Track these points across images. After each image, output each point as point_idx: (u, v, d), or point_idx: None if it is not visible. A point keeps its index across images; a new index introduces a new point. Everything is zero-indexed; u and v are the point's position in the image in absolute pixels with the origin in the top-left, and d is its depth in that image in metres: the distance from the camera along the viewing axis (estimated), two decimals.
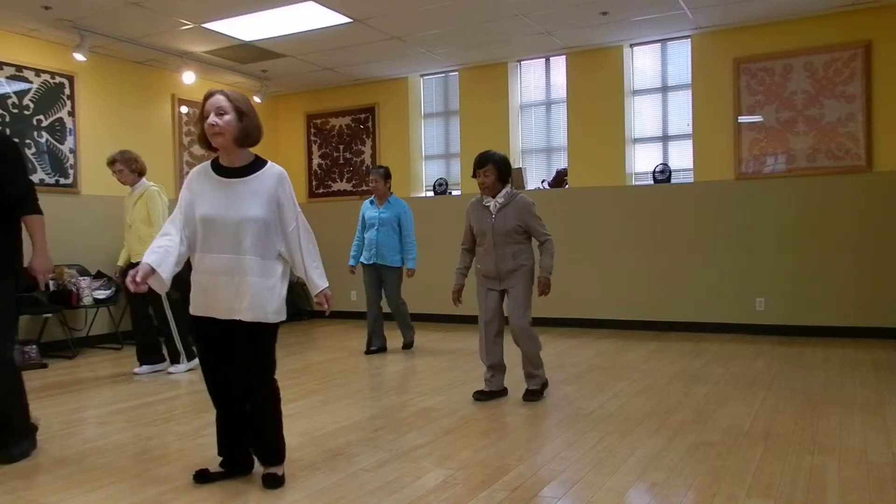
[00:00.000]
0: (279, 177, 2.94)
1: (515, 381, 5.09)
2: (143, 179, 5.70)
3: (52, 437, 3.81)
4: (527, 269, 4.41)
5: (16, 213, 3.53)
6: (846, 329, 6.62)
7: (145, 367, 5.64)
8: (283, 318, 2.99)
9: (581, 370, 5.39)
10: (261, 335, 2.95)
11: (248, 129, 2.88)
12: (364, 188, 9.12)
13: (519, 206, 4.39)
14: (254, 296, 2.86)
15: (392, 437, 3.70)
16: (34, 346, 6.12)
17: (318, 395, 4.76)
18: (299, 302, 9.39)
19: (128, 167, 5.63)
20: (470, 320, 8.21)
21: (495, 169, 4.44)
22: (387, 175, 6.40)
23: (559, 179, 8.04)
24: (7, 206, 3.46)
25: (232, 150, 2.90)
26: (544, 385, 4.53)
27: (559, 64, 8.06)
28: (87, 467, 3.28)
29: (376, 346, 6.46)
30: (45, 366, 6.03)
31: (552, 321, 7.77)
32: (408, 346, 6.61)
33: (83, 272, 6.91)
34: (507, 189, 4.48)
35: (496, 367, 4.50)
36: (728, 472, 3.02)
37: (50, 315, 6.58)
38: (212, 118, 2.82)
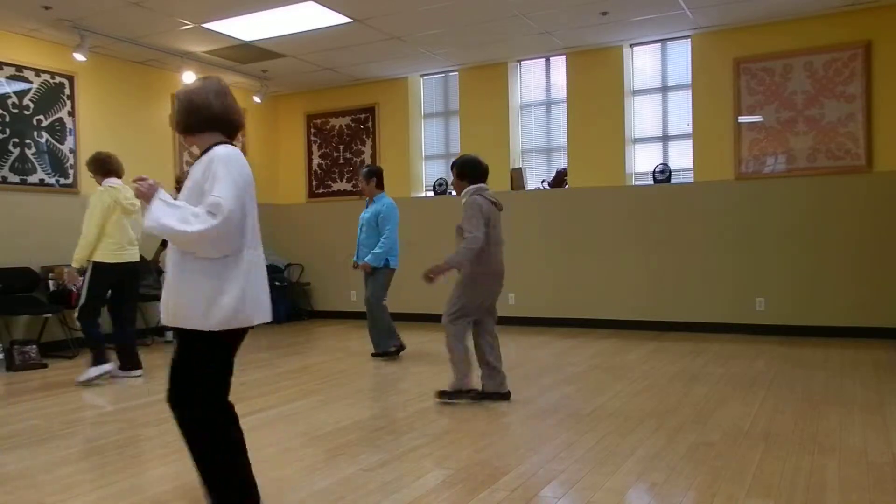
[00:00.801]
0: (207, 160, 2.45)
1: (516, 381, 5.10)
2: (111, 179, 5.39)
3: (52, 437, 3.81)
4: (463, 271, 4.36)
5: None
6: (846, 329, 6.62)
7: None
8: (215, 326, 2.36)
9: (581, 370, 5.39)
10: (182, 344, 2.45)
11: (180, 115, 2.57)
12: None
13: (463, 205, 4.42)
14: (167, 297, 2.44)
15: (392, 437, 3.70)
16: (34, 346, 6.11)
17: (318, 395, 4.76)
18: (299, 302, 9.40)
19: (90, 170, 5.49)
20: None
21: (455, 171, 4.60)
22: (370, 174, 6.14)
23: (559, 179, 8.04)
24: None
25: (188, 139, 2.64)
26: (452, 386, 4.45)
27: (559, 64, 8.06)
28: (88, 467, 3.28)
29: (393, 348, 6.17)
30: (45, 366, 6.03)
31: (552, 321, 7.77)
32: (378, 355, 6.12)
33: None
34: (471, 188, 4.49)
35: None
36: (728, 472, 3.02)
37: (50, 315, 6.58)
38: None
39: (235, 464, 2.49)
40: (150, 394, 4.91)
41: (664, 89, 7.64)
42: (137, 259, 5.54)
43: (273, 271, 8.16)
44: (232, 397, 4.75)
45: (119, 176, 5.47)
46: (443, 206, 8.40)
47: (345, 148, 9.28)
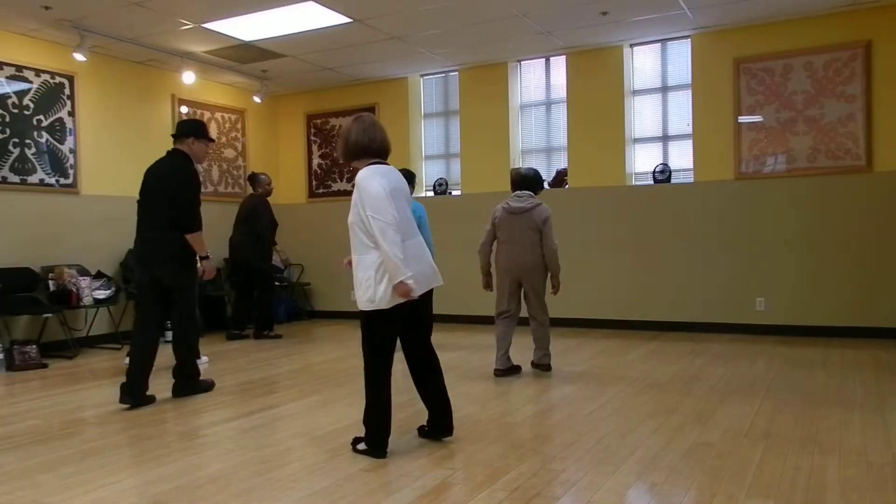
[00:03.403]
0: (356, 183, 3.33)
1: (516, 381, 5.10)
2: None
3: (52, 437, 3.81)
4: None
5: None
6: (846, 329, 6.62)
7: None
8: (371, 306, 3.28)
9: (581, 370, 5.39)
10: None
11: (339, 148, 3.49)
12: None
13: None
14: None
15: (392, 437, 3.69)
16: (34, 346, 6.11)
17: (318, 395, 4.76)
18: (300, 302, 9.40)
19: None
20: (469, 320, 8.22)
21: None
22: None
23: (559, 179, 8.04)
24: None
25: (350, 164, 3.51)
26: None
27: (559, 64, 8.06)
28: (87, 467, 3.28)
29: None
30: (45, 366, 6.03)
31: (552, 321, 7.75)
32: None
33: (83, 272, 6.91)
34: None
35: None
36: (728, 472, 3.02)
37: (50, 315, 6.58)
38: None
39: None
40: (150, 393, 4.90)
41: (664, 89, 7.64)
42: None
43: (272, 272, 8.15)
44: (232, 397, 4.77)
45: None
46: (443, 206, 8.40)
47: None
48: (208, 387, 4.89)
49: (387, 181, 3.28)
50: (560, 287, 5.17)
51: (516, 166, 8.20)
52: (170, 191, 4.53)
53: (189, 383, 4.76)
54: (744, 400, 4.31)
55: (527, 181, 5.22)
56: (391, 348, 3.43)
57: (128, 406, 4.45)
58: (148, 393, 4.56)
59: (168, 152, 4.74)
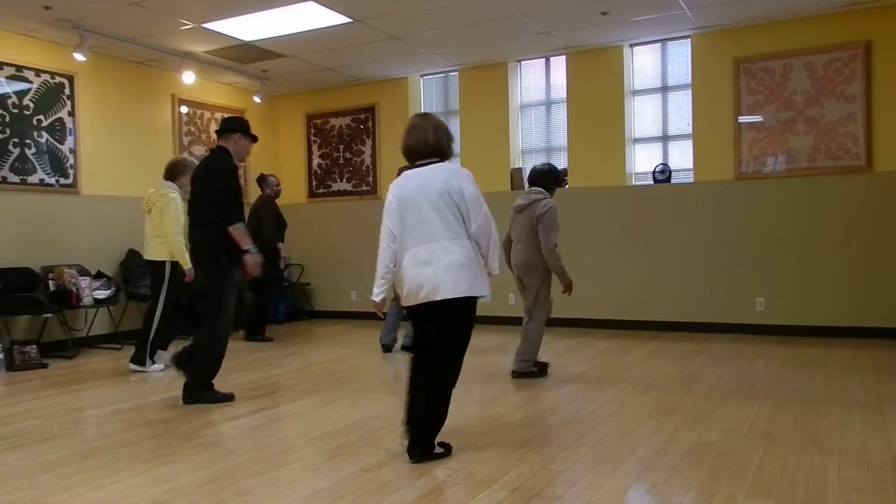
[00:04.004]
0: None
1: (516, 381, 5.09)
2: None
3: (52, 437, 3.81)
4: None
5: None
6: (846, 329, 6.62)
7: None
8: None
9: (581, 370, 5.39)
10: None
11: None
12: (364, 188, 9.13)
13: None
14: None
15: (392, 437, 3.70)
16: (34, 346, 6.11)
17: (318, 395, 4.76)
18: (300, 302, 9.40)
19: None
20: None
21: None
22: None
23: (559, 179, 8.04)
24: None
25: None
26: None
27: (559, 64, 8.06)
28: (88, 467, 3.28)
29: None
30: (45, 366, 6.03)
31: (552, 321, 7.74)
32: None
33: (83, 272, 6.91)
34: None
35: None
36: (728, 472, 3.02)
37: (50, 315, 6.57)
38: None
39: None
40: (151, 394, 4.91)
41: (664, 89, 7.64)
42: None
43: (278, 273, 8.15)
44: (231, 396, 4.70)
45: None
46: None
47: (345, 148, 9.28)
48: (223, 398, 4.59)
49: (398, 190, 3.32)
50: (571, 288, 5.02)
51: (517, 166, 8.22)
52: (207, 186, 4.48)
53: (198, 389, 4.56)
54: (744, 400, 4.31)
55: (538, 177, 5.13)
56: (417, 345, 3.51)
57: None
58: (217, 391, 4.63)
59: (211, 150, 4.70)
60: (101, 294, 6.86)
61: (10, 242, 6.56)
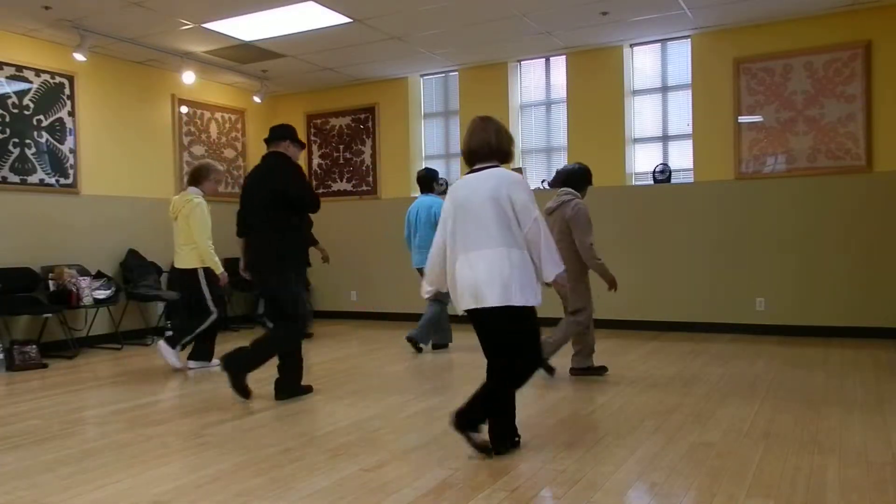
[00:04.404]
0: None
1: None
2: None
3: (52, 437, 3.81)
4: None
5: None
6: (846, 329, 6.62)
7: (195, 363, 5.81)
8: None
9: None
10: None
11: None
12: (364, 188, 9.13)
13: None
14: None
15: (392, 437, 3.70)
16: (34, 346, 6.11)
17: (318, 394, 4.76)
18: None
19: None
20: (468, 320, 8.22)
21: None
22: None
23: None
24: None
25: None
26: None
27: (559, 64, 8.06)
28: (87, 467, 3.28)
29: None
30: (45, 366, 6.03)
31: (552, 321, 7.75)
32: (440, 346, 6.56)
33: (83, 272, 6.91)
34: None
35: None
36: (728, 472, 3.02)
37: (50, 315, 6.58)
38: None
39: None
40: (151, 394, 4.91)
41: (664, 89, 7.64)
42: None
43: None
44: (232, 396, 4.76)
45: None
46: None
47: (345, 148, 9.28)
48: (307, 390, 4.72)
49: (451, 197, 3.38)
50: (615, 284, 5.03)
51: (517, 166, 8.21)
52: (275, 190, 4.45)
53: (289, 384, 4.62)
54: (744, 400, 4.31)
55: (568, 178, 5.08)
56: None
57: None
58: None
59: (265, 156, 4.68)
60: (101, 294, 6.86)
61: (10, 242, 6.56)
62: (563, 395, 4.58)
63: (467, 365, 5.74)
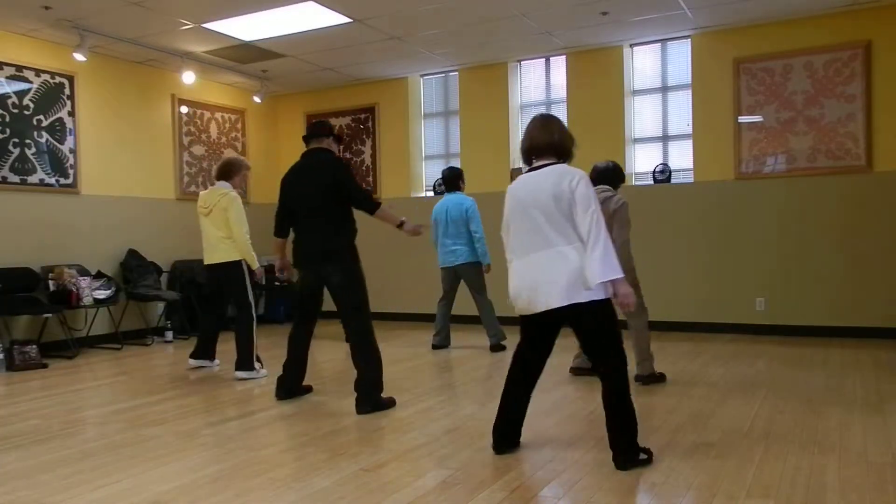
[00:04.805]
0: None
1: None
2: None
3: (52, 437, 3.81)
4: None
5: None
6: (846, 329, 6.61)
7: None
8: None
9: None
10: None
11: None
12: (364, 188, 9.12)
13: None
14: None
15: (392, 437, 3.70)
16: (34, 346, 6.11)
17: (318, 395, 4.76)
18: None
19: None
20: (467, 320, 8.22)
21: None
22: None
23: None
24: None
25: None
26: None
27: (559, 64, 8.06)
28: (87, 467, 3.28)
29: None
30: (45, 366, 6.03)
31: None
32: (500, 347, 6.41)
33: (83, 272, 6.91)
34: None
35: None
36: (728, 472, 3.02)
37: (50, 315, 6.57)
38: None
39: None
40: (151, 394, 4.91)
41: (664, 89, 7.64)
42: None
43: (271, 272, 8.20)
44: (232, 397, 4.77)
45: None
46: None
47: (345, 148, 9.27)
48: (389, 403, 4.37)
49: (512, 196, 3.29)
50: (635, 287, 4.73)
51: (517, 166, 8.21)
52: (335, 179, 4.34)
53: (371, 396, 4.28)
54: (744, 400, 4.31)
55: (603, 175, 4.97)
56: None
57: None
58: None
59: (307, 153, 4.57)
60: (101, 294, 6.86)
61: (10, 242, 6.57)
62: (563, 395, 4.58)
63: (467, 365, 5.74)
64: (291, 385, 4.62)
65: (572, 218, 3.10)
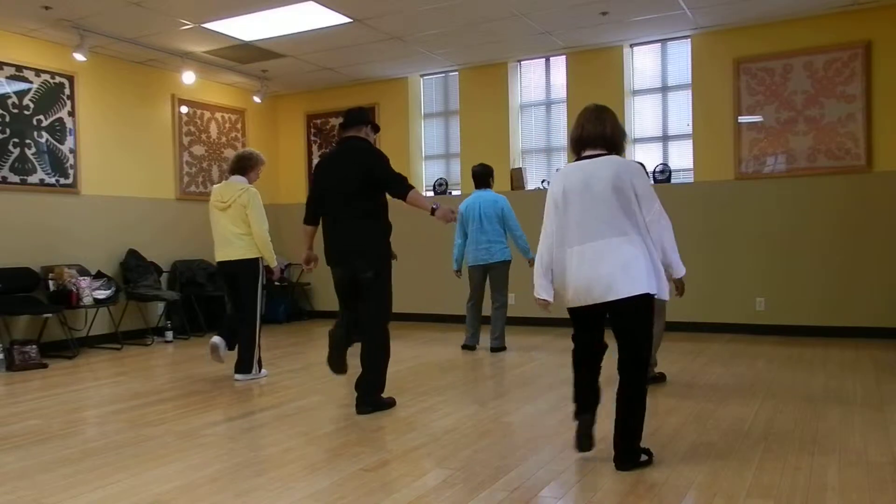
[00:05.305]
0: None
1: (516, 381, 5.09)
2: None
3: (52, 437, 3.81)
4: None
5: None
6: (846, 329, 6.61)
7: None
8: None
9: None
10: None
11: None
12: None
13: None
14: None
15: (392, 437, 3.70)
16: (34, 346, 6.11)
17: (318, 395, 4.76)
18: (300, 302, 9.40)
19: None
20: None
21: None
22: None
23: None
24: None
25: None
26: None
27: (559, 64, 8.06)
28: (87, 467, 3.28)
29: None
30: (45, 366, 6.03)
31: (553, 321, 7.76)
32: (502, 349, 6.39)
33: (83, 272, 6.91)
34: None
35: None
36: (728, 472, 3.02)
37: (50, 315, 6.58)
38: None
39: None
40: (151, 394, 4.91)
41: (664, 89, 7.64)
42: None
43: (270, 272, 8.21)
44: (232, 397, 4.76)
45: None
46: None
47: None
48: (389, 403, 4.33)
49: (561, 183, 3.16)
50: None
51: (517, 166, 8.22)
52: (366, 166, 4.20)
53: (372, 396, 4.23)
54: (744, 400, 4.31)
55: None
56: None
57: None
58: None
59: (341, 140, 4.43)
60: (101, 294, 6.86)
61: (10, 242, 6.56)
62: (563, 396, 4.57)
63: (467, 365, 5.74)
64: (349, 333, 4.42)
65: (631, 210, 3.05)
